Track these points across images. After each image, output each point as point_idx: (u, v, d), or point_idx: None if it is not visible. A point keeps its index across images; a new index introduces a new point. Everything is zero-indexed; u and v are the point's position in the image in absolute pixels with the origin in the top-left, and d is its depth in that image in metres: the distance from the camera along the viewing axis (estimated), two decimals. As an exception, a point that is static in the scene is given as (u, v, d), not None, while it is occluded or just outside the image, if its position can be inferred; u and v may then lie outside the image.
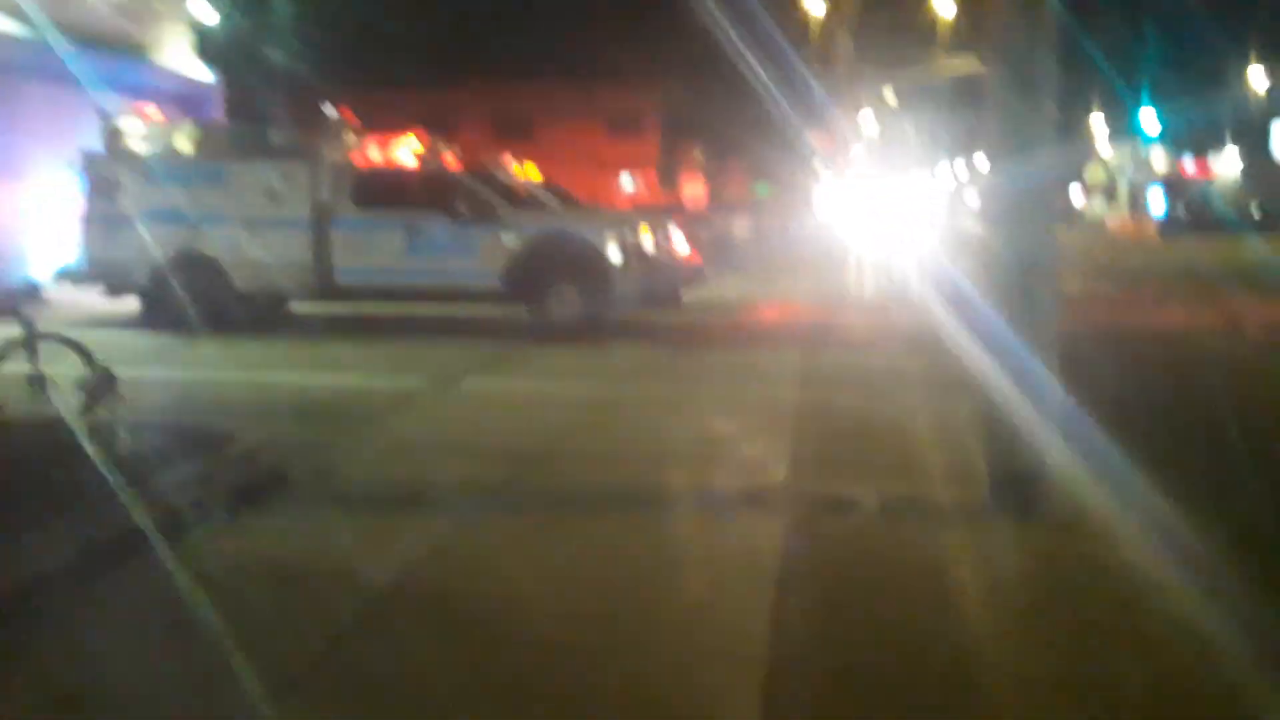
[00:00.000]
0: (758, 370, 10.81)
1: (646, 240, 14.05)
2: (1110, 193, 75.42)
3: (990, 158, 5.82)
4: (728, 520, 5.71)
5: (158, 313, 13.48)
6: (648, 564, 5.09)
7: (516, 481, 6.39)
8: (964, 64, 32.94)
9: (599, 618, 4.45)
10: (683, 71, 51.18)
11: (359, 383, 9.76)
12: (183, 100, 22.32)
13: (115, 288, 14.22)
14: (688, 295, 17.68)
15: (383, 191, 13.57)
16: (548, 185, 17.63)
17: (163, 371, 10.21)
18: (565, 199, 17.81)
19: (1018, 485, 5.75)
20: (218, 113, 22.41)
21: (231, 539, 5.29)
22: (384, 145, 14.30)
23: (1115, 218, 57.07)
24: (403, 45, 37.83)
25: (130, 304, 13.95)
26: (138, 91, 20.01)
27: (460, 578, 4.91)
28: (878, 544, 5.38)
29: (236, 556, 5.06)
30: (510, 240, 13.20)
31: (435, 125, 45.80)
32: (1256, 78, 56.56)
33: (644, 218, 15.57)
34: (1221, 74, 59.63)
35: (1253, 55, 56.08)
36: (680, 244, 18.72)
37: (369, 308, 14.28)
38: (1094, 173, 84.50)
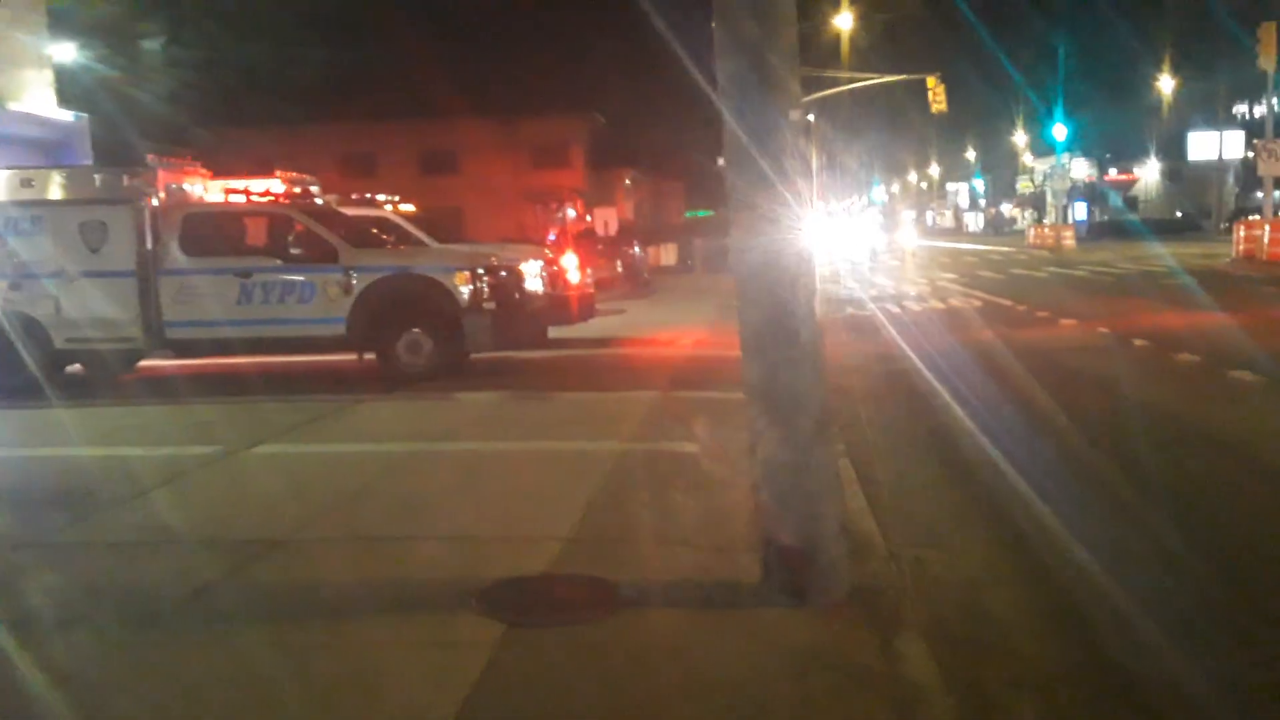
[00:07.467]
0: (597, 416, 9.88)
1: (507, 275, 13.09)
2: (1038, 203, 75.92)
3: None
4: (438, 626, 4.72)
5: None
6: (313, 687, 4.12)
7: (218, 584, 5.37)
8: (871, 78, 32.39)
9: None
10: (612, 101, 50.56)
11: (142, 453, 8.64)
12: (46, 146, 21.21)
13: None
14: (577, 327, 16.73)
15: (212, 237, 12.53)
16: (423, 221, 16.69)
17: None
18: (446, 236, 16.87)
19: (790, 563, 4.82)
20: (84, 157, 21.29)
21: None
22: (233, 187, 13.29)
23: (1036, 228, 56.94)
24: (320, 84, 36.83)
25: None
26: (-8, 139, 18.89)
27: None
28: (601, 652, 4.41)
29: None
30: (352, 283, 12.20)
31: (358, 164, 44.94)
32: (1168, 87, 57.33)
33: (514, 252, 14.61)
34: (1144, 85, 60.27)
35: (1167, 67, 56.82)
36: (571, 275, 17.84)
37: (235, 362, 13.14)
38: (1022, 185, 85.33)
